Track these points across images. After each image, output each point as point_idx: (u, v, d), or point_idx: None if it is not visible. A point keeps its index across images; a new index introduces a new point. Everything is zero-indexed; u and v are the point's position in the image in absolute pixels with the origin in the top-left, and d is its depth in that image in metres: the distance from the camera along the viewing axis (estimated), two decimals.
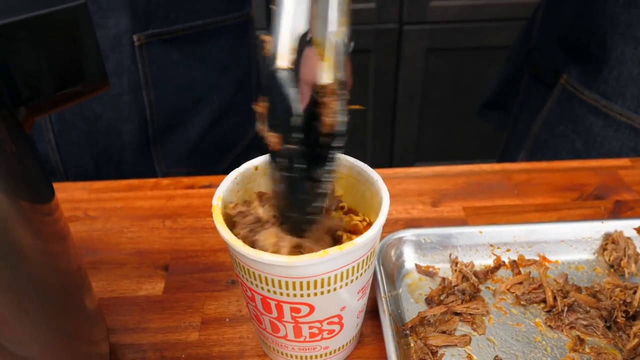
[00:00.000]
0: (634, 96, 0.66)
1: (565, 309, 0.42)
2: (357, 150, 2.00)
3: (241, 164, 0.40)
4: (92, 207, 0.58)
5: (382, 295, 0.42)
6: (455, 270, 0.46)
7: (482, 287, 0.46)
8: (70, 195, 0.59)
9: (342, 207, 0.40)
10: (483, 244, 0.48)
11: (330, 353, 0.39)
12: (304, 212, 0.34)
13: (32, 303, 0.29)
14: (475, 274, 0.46)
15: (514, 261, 0.47)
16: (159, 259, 0.51)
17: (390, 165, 2.05)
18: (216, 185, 0.57)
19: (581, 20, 0.71)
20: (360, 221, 0.39)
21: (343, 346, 0.40)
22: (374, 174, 0.38)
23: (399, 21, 1.80)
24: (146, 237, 0.54)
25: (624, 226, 0.48)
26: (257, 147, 0.88)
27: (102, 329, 0.40)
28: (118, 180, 0.62)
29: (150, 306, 0.47)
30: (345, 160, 0.40)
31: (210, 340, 0.43)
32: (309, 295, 0.34)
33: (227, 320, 0.45)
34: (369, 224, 0.39)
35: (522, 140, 0.83)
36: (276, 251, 0.35)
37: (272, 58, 0.31)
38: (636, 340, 0.39)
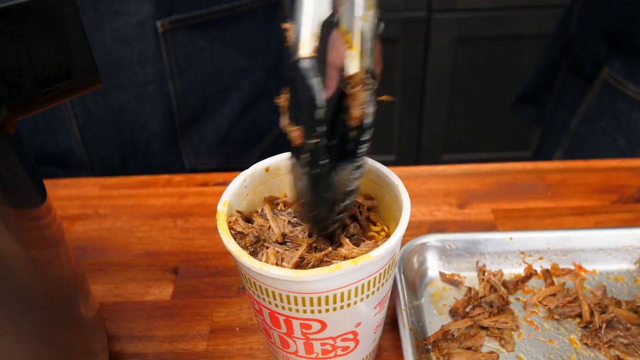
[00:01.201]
0: None
1: (604, 325, 0.38)
2: (383, 142, 1.97)
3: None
4: (103, 205, 0.56)
5: (403, 307, 0.39)
6: (483, 280, 0.43)
7: (511, 298, 0.42)
8: (81, 191, 0.57)
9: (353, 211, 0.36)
10: (513, 251, 0.44)
11: None
12: (330, 211, 0.31)
13: (17, 314, 0.27)
14: (504, 284, 0.43)
15: (547, 270, 0.44)
16: (169, 261, 0.49)
17: (417, 156, 2.01)
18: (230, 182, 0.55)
19: (626, 9, 0.67)
20: (378, 232, 0.36)
21: None
22: (395, 178, 0.35)
23: (428, 9, 1.76)
24: (156, 237, 0.52)
25: None
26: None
27: (101, 338, 0.38)
28: (130, 177, 0.60)
29: (157, 312, 0.44)
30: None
31: (218, 350, 0.41)
32: (320, 311, 0.31)
33: (237, 329, 0.42)
34: (388, 235, 0.35)
35: (559, 136, 0.79)
36: None
37: (294, 46, 0.28)
38: None
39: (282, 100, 0.29)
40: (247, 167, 0.36)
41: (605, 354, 0.38)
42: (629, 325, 0.39)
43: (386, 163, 0.36)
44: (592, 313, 0.39)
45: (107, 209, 0.55)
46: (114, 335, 0.43)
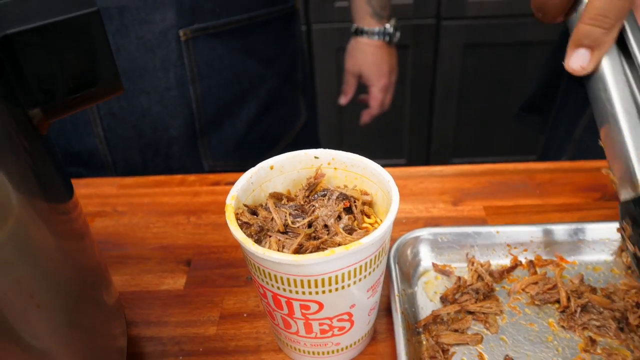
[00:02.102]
0: None
1: (579, 309, 0.42)
2: (394, 146, 2.00)
3: None
4: (121, 203, 0.60)
5: (396, 293, 0.42)
6: (471, 270, 0.46)
7: (497, 286, 0.46)
8: (100, 190, 0.62)
9: (347, 204, 0.40)
10: (500, 243, 0.48)
11: (342, 349, 0.40)
12: None
13: (46, 298, 0.30)
14: (491, 273, 0.46)
15: (531, 261, 0.47)
16: (182, 254, 0.53)
17: (427, 160, 2.04)
18: None
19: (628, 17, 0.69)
20: (372, 224, 0.40)
21: (355, 343, 0.40)
22: (386, 175, 0.39)
23: (437, 16, 1.79)
24: (171, 232, 0.56)
25: None
26: (305, 139, 0.89)
27: (121, 323, 0.41)
28: (146, 177, 0.64)
29: (171, 300, 0.48)
30: (359, 161, 0.41)
31: (227, 334, 0.45)
32: (317, 292, 0.35)
33: (245, 315, 0.46)
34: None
35: (563, 145, 0.82)
36: None
37: (631, 184, 0.34)
38: (634, 337, 0.38)
39: (627, 230, 0.35)
40: None
41: (579, 335, 0.41)
42: (601, 310, 0.42)
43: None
44: (568, 299, 0.43)
45: (124, 206, 0.59)
46: (132, 321, 0.46)
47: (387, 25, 0.95)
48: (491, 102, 1.92)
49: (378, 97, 1.01)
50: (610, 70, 0.38)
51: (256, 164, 0.40)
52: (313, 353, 0.40)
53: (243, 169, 0.78)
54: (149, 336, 0.45)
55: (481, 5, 1.74)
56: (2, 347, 0.27)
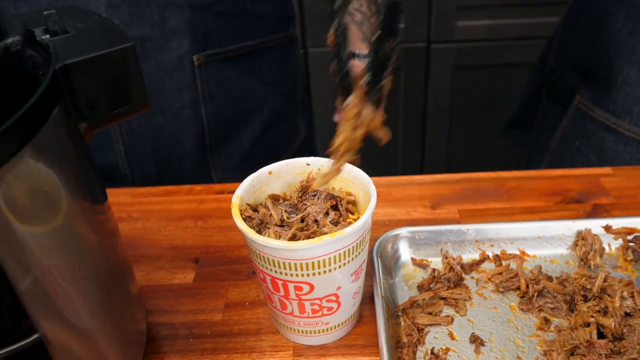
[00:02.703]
0: (639, 114, 0.72)
1: (536, 294, 0.48)
2: (388, 164, 2.07)
3: None
4: (135, 210, 0.67)
5: (377, 281, 0.49)
6: (445, 262, 0.53)
7: (467, 276, 0.52)
8: (116, 199, 0.69)
9: (334, 202, 0.47)
10: (470, 240, 0.55)
11: (331, 329, 0.47)
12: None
13: (88, 285, 0.37)
14: (462, 266, 0.53)
15: (497, 255, 0.54)
16: (191, 253, 0.60)
17: None
18: None
19: (591, 47, 0.78)
20: (355, 219, 0.47)
21: (342, 323, 0.47)
22: (366, 177, 0.46)
23: (427, 40, 1.87)
24: (180, 234, 0.62)
25: (593, 225, 0.54)
26: (304, 154, 0.97)
27: (142, 310, 0.48)
28: (157, 187, 0.71)
29: (182, 292, 0.55)
30: (345, 166, 0.48)
31: (232, 320, 0.51)
32: (308, 275, 0.41)
33: (247, 304, 0.53)
34: None
35: (542, 155, 0.90)
36: None
37: None
38: (579, 317, 0.45)
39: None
40: None
41: (536, 316, 0.48)
42: (555, 294, 0.49)
43: None
44: (527, 286, 0.49)
45: (138, 213, 0.66)
46: (148, 310, 0.53)
47: None
48: (480, 120, 2.00)
49: None
50: None
51: None
52: (306, 332, 0.47)
53: None
54: (163, 322, 0.52)
55: (469, 29, 1.82)
56: (57, 320, 0.34)
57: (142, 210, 0.67)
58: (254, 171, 0.47)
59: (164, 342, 0.49)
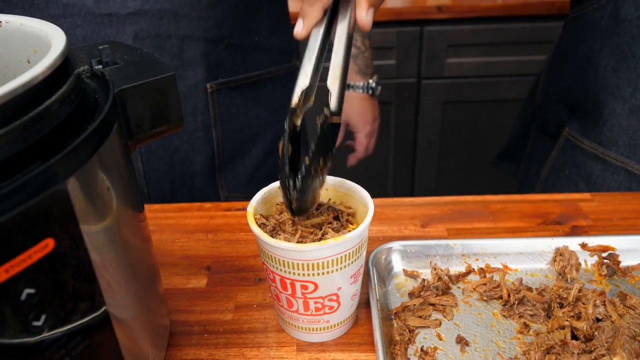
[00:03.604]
0: (625, 144, 0.80)
1: (516, 302, 0.55)
2: (379, 194, 2.14)
3: None
4: (151, 224, 0.73)
5: (373, 286, 0.55)
6: (434, 273, 0.59)
7: (454, 286, 0.59)
8: None
9: (336, 214, 0.53)
10: (457, 254, 0.61)
11: (332, 327, 0.53)
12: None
13: (129, 279, 0.43)
14: (450, 277, 0.59)
15: (482, 268, 0.60)
16: (203, 262, 0.65)
17: None
18: None
19: (578, 83, 0.86)
20: (354, 229, 0.53)
21: (341, 322, 0.53)
22: (364, 192, 0.53)
23: (418, 76, 1.95)
24: (193, 246, 0.68)
25: (570, 242, 0.60)
26: None
27: (166, 307, 0.54)
28: (170, 204, 0.77)
29: (196, 295, 0.61)
30: (345, 183, 0.54)
31: (241, 319, 0.57)
32: (313, 275, 0.48)
33: (255, 306, 0.59)
34: None
35: (533, 185, 0.97)
36: None
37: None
38: (555, 321, 0.52)
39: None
40: None
41: (517, 321, 0.54)
42: (534, 303, 0.55)
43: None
44: (509, 295, 0.56)
45: (154, 226, 0.72)
46: None
47: (370, 81, 1.13)
48: (469, 154, 2.08)
49: (363, 142, 1.17)
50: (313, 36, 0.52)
51: None
52: (308, 329, 0.53)
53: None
54: (180, 320, 0.57)
55: (458, 66, 1.92)
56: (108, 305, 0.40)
57: (157, 224, 0.73)
58: (257, 191, 0.54)
59: (181, 337, 0.55)
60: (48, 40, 0.39)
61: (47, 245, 0.31)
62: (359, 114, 1.15)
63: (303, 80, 0.49)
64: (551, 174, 0.92)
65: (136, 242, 0.44)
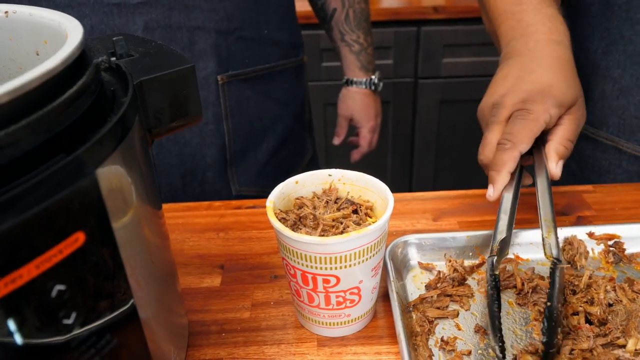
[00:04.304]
0: (615, 123, 0.81)
1: (530, 290, 0.55)
2: None
3: None
4: None
5: (392, 280, 0.55)
6: (449, 265, 0.59)
7: (469, 277, 0.58)
8: None
9: (355, 208, 0.53)
10: (470, 246, 0.61)
11: (352, 320, 0.52)
12: None
13: (149, 276, 0.42)
14: (464, 268, 0.59)
15: None
16: (216, 260, 0.65)
17: None
18: (259, 206, 0.72)
19: None
20: (373, 222, 0.53)
21: (362, 316, 0.53)
22: (383, 185, 0.52)
23: (415, 76, 1.97)
24: (204, 244, 0.68)
25: (578, 232, 0.61)
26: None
27: (184, 306, 0.53)
28: (178, 203, 0.76)
29: (211, 294, 0.60)
30: (362, 177, 0.54)
31: (259, 317, 0.57)
32: (335, 268, 0.47)
33: (272, 303, 0.58)
34: None
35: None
36: None
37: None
38: (569, 307, 0.52)
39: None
40: None
41: (531, 309, 0.54)
42: (547, 290, 0.55)
43: None
44: (523, 284, 0.56)
45: None
46: None
47: (373, 77, 1.13)
48: (466, 152, 2.08)
49: (367, 137, 1.18)
50: None
51: (271, 191, 0.53)
52: (329, 324, 0.52)
53: (263, 194, 0.93)
54: (196, 320, 0.57)
55: (454, 66, 1.93)
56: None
57: (167, 224, 0.72)
58: (268, 185, 0.54)
59: (199, 336, 0.54)
60: (61, 30, 0.39)
61: (77, 239, 0.31)
62: (362, 110, 1.16)
63: (499, 236, 0.55)
64: None
65: (156, 239, 0.44)
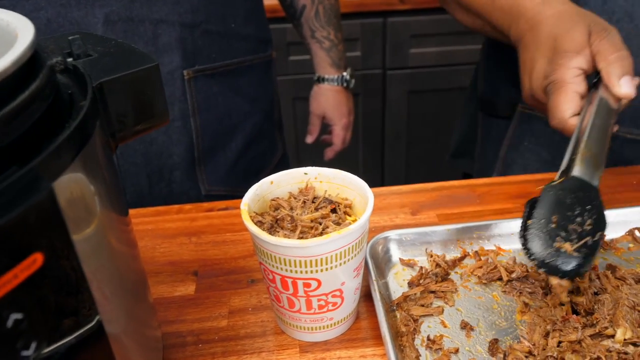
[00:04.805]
0: None
1: (515, 279, 0.54)
2: None
3: None
4: None
5: (373, 279, 0.53)
6: (431, 260, 0.58)
7: (451, 272, 0.57)
8: None
9: (333, 206, 0.51)
10: (451, 239, 0.60)
11: (335, 324, 0.50)
12: None
13: (120, 291, 0.39)
14: (446, 262, 0.58)
15: (476, 252, 0.59)
16: (189, 267, 0.62)
17: None
18: (232, 208, 0.70)
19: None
20: (352, 221, 0.51)
21: (344, 318, 0.51)
22: (362, 182, 0.50)
23: (383, 67, 1.95)
24: (176, 250, 0.65)
25: None
26: (281, 170, 1.03)
27: (157, 318, 0.51)
28: (146, 208, 0.73)
29: (185, 303, 0.57)
30: (340, 174, 0.52)
31: (237, 325, 0.54)
32: (316, 271, 0.45)
33: (250, 309, 0.56)
34: None
35: (493, 164, 0.96)
36: None
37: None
38: (555, 298, 0.51)
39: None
40: None
41: (517, 301, 0.53)
42: (533, 280, 0.54)
43: None
44: (508, 273, 0.55)
45: None
46: None
47: (345, 73, 1.11)
48: (436, 142, 2.09)
49: (340, 135, 1.16)
50: None
51: (243, 190, 0.51)
52: (311, 329, 0.50)
53: (233, 194, 0.90)
54: (171, 332, 0.54)
55: (422, 56, 1.92)
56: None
57: (135, 230, 0.69)
58: (238, 184, 0.51)
59: (174, 349, 0.52)
60: (10, 30, 0.35)
61: (35, 261, 0.28)
62: (334, 107, 1.14)
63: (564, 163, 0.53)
64: (510, 150, 0.92)
65: (123, 248, 0.41)
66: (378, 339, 0.51)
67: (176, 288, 0.60)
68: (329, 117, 1.15)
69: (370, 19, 1.83)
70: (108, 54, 0.41)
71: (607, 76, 0.55)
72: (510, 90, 0.89)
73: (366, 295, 0.55)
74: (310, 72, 1.17)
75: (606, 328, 0.46)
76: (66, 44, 0.41)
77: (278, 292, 0.48)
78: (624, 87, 0.54)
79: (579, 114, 0.56)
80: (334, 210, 0.50)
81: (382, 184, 2.17)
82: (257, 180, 0.51)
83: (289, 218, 0.48)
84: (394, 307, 0.53)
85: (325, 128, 1.21)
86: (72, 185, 0.31)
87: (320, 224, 0.48)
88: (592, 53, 0.57)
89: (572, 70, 0.56)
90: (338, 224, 0.48)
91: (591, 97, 0.57)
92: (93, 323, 0.34)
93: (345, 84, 1.11)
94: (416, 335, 0.50)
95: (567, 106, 0.56)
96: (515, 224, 0.59)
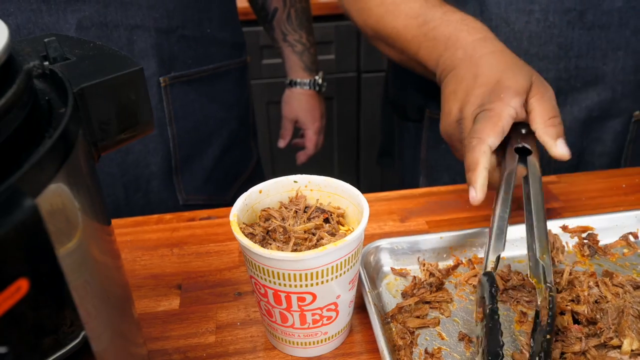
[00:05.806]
0: None
1: (512, 287, 0.52)
2: None
3: (245, 190, 0.50)
4: None
5: (367, 290, 0.51)
6: (423, 270, 0.56)
7: (445, 281, 0.56)
8: None
9: (326, 216, 0.49)
10: (444, 247, 0.58)
11: (329, 338, 0.48)
12: None
13: (105, 306, 0.37)
14: (440, 271, 0.56)
15: (470, 260, 0.58)
16: (172, 280, 0.59)
17: None
18: (214, 217, 0.67)
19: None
20: (345, 231, 0.49)
21: (339, 332, 0.49)
22: (356, 191, 0.49)
23: (357, 70, 1.95)
24: (157, 263, 0.62)
25: (552, 225, 0.59)
26: (257, 177, 1.01)
27: (142, 334, 0.48)
28: (124, 218, 0.70)
29: (169, 319, 0.55)
30: (331, 182, 0.50)
31: (226, 340, 0.52)
32: (311, 285, 0.43)
33: (239, 324, 0.53)
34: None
35: (416, 168, 0.96)
36: None
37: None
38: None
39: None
40: (227, 202, 0.49)
41: (514, 309, 0.52)
42: (530, 289, 0.53)
43: None
44: (505, 282, 0.53)
45: None
46: None
47: (317, 77, 1.10)
48: None
49: (313, 139, 1.15)
50: None
51: (221, 198, 0.49)
52: (304, 344, 0.48)
53: (211, 203, 0.87)
54: (156, 349, 0.51)
55: None
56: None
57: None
58: (215, 192, 0.49)
59: None
60: None
61: (20, 288, 0.25)
62: (307, 111, 1.13)
63: (498, 245, 0.51)
64: (430, 152, 0.92)
65: (108, 260, 0.38)
66: (373, 353, 0.49)
67: (160, 303, 0.57)
68: (301, 121, 1.15)
69: (344, 22, 1.81)
70: (87, 57, 0.38)
71: (544, 137, 0.56)
72: (417, 97, 0.91)
73: (358, 307, 0.53)
74: (283, 76, 1.16)
75: (611, 338, 0.45)
76: (42, 47, 0.38)
77: (270, 307, 0.46)
78: (560, 148, 0.56)
79: (494, 151, 0.56)
80: (326, 220, 0.48)
81: (358, 189, 2.16)
82: (234, 188, 0.49)
83: (281, 229, 0.46)
84: (389, 319, 0.51)
85: (298, 132, 1.19)
86: (55, 201, 0.29)
87: (314, 234, 0.46)
88: (529, 107, 0.57)
89: (509, 109, 0.56)
90: (332, 234, 0.46)
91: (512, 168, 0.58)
92: (79, 339, 0.32)
93: (317, 88, 1.11)
94: (414, 349, 0.48)
95: (492, 137, 0.55)
96: (508, 231, 0.58)
